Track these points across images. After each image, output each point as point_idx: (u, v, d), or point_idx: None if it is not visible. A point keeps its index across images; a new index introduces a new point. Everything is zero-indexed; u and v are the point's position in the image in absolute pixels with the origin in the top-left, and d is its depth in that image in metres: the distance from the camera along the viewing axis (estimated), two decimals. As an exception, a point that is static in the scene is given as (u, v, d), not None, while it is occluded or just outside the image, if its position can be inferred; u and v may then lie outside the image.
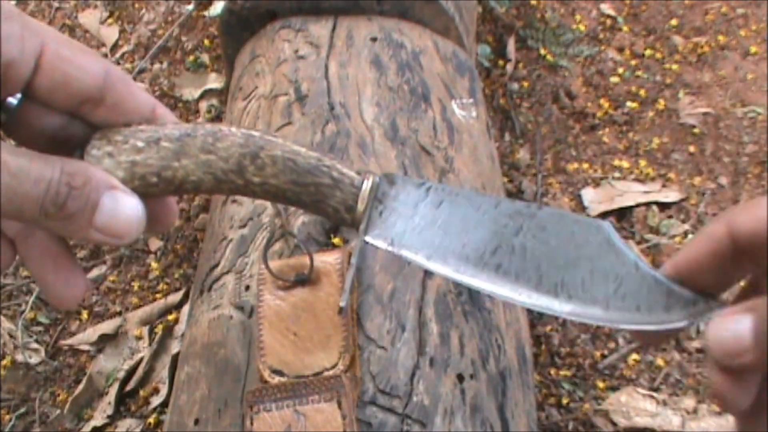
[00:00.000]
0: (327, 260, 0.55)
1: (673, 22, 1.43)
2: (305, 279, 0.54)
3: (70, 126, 0.40)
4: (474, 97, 0.85)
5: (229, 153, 0.39)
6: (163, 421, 0.98)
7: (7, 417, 1.05)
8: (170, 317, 1.09)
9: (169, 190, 0.40)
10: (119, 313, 1.13)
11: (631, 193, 1.19)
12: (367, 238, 0.41)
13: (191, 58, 1.41)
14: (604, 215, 1.15)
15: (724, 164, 1.22)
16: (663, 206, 1.17)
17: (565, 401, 0.98)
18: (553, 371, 1.01)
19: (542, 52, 1.38)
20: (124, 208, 0.37)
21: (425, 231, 0.41)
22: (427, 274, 0.62)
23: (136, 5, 1.51)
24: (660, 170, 1.22)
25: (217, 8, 1.40)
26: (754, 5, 1.44)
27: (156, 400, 1.02)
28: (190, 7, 1.46)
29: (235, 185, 0.40)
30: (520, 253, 0.39)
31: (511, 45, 1.38)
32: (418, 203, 0.41)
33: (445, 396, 0.56)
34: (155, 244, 1.20)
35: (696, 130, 1.27)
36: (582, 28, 1.43)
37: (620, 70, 1.36)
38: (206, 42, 1.42)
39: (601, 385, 0.99)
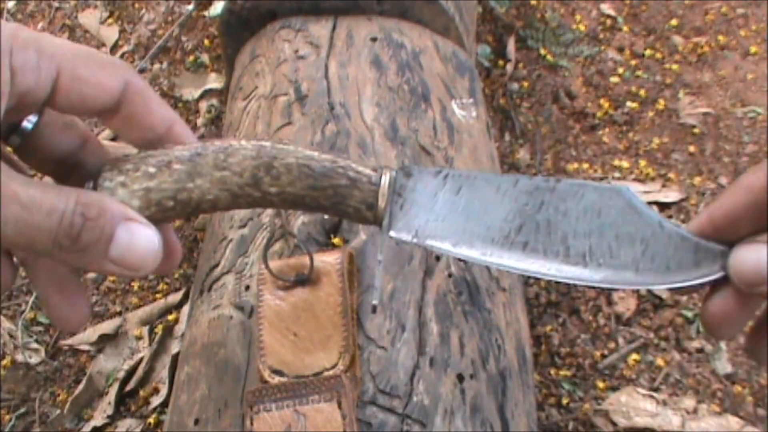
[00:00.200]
0: (327, 260, 0.55)
1: (673, 22, 1.43)
2: (305, 279, 0.54)
3: (82, 149, 0.40)
4: (474, 97, 0.85)
5: (242, 167, 0.39)
6: (163, 421, 0.98)
7: (7, 417, 1.05)
8: (170, 317, 1.09)
9: (187, 212, 0.40)
10: (119, 313, 1.13)
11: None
12: (392, 233, 0.41)
13: (191, 58, 1.41)
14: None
15: (724, 164, 1.22)
16: (663, 206, 1.17)
17: (565, 401, 0.98)
18: (553, 371, 1.01)
19: (542, 52, 1.38)
20: (140, 240, 0.36)
21: (448, 218, 0.41)
22: (427, 274, 0.62)
23: (136, 5, 1.51)
24: (660, 170, 1.22)
25: (217, 8, 1.41)
26: (754, 5, 1.44)
27: (156, 400, 1.02)
28: (190, 7, 1.46)
29: (252, 198, 0.40)
30: (545, 228, 0.39)
31: (511, 45, 1.38)
32: (437, 192, 0.41)
33: (445, 396, 0.56)
34: (155, 244, 1.20)
35: (696, 130, 1.27)
36: (582, 28, 1.43)
37: (620, 70, 1.36)
38: (206, 42, 1.42)
39: (601, 385, 0.99)
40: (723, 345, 1.02)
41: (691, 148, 1.24)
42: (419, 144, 0.72)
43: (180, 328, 1.06)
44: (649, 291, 1.07)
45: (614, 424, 0.95)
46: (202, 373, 0.60)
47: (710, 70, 1.36)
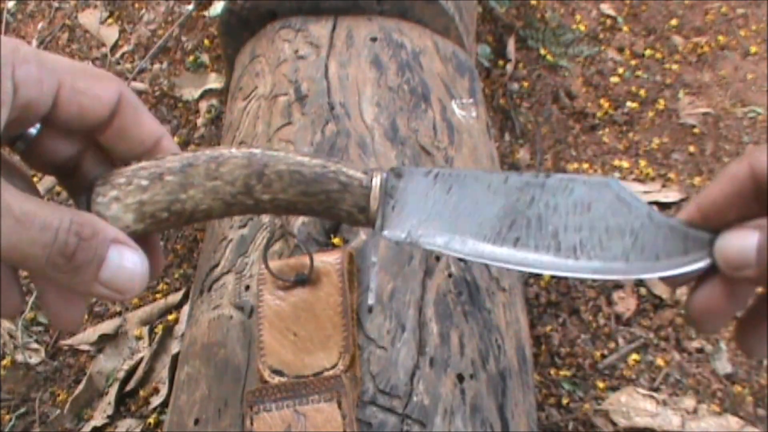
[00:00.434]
0: (327, 260, 0.55)
1: (673, 22, 1.43)
2: (305, 279, 0.54)
3: (83, 153, 0.41)
4: (474, 97, 0.85)
5: (234, 176, 0.39)
6: (163, 421, 0.98)
7: (7, 417, 1.05)
8: (170, 317, 1.09)
9: (181, 222, 0.40)
10: (119, 313, 1.13)
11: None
12: (385, 234, 0.41)
13: (191, 58, 1.41)
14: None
15: (724, 164, 1.22)
16: (663, 206, 1.17)
17: (565, 401, 0.98)
18: (553, 371, 1.01)
19: (542, 52, 1.38)
20: (129, 264, 0.36)
21: (440, 217, 0.41)
22: (427, 274, 0.62)
23: (136, 5, 1.51)
24: (660, 170, 1.22)
25: (217, 8, 1.41)
26: (754, 5, 1.44)
27: (156, 400, 1.02)
28: (190, 7, 1.46)
29: (245, 206, 0.40)
30: (536, 223, 0.40)
31: (511, 45, 1.38)
32: (428, 191, 0.41)
33: (445, 396, 0.56)
34: (155, 244, 1.20)
35: (696, 130, 1.27)
36: (582, 28, 1.43)
37: (620, 70, 1.36)
38: (206, 42, 1.42)
39: (601, 385, 0.99)
40: (723, 345, 1.02)
41: (691, 148, 1.24)
42: (419, 144, 0.72)
43: (180, 328, 1.06)
44: (649, 291, 1.07)
45: (614, 424, 0.95)
46: (202, 373, 0.60)
47: (710, 70, 1.36)
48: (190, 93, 1.37)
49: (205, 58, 1.41)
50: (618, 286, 1.09)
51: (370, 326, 0.57)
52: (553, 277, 1.10)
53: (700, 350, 1.02)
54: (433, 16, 0.88)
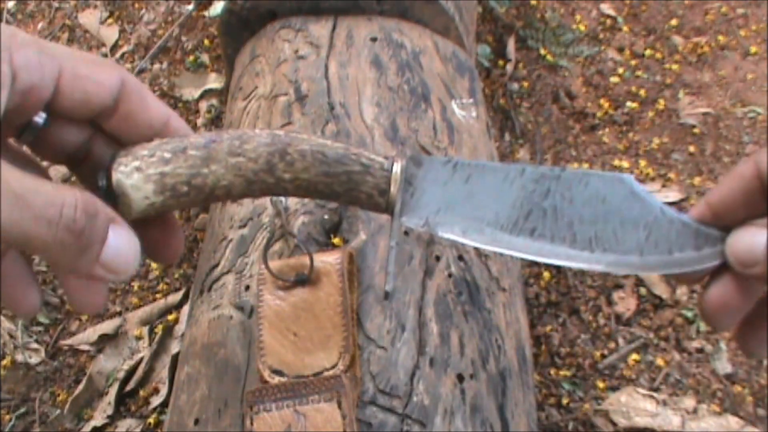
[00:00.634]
0: (327, 260, 0.55)
1: (673, 22, 1.43)
2: (305, 279, 0.54)
3: (90, 143, 0.41)
4: (474, 97, 0.85)
5: (257, 153, 0.40)
6: (163, 421, 0.98)
7: (7, 417, 1.05)
8: (170, 317, 1.09)
9: (200, 199, 0.40)
10: (119, 313, 1.13)
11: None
12: (403, 220, 0.42)
13: (191, 58, 1.41)
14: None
15: (724, 164, 1.22)
16: (663, 206, 1.16)
17: (565, 401, 0.98)
18: (553, 371, 1.01)
19: (542, 52, 1.38)
20: (126, 244, 0.36)
21: (457, 206, 0.42)
22: (427, 274, 0.62)
23: (136, 5, 1.51)
24: (660, 170, 1.22)
25: (217, 8, 1.41)
26: (754, 5, 1.44)
27: (156, 400, 1.02)
28: (190, 7, 1.46)
29: (266, 185, 0.40)
30: (552, 214, 0.40)
31: (511, 45, 1.38)
32: (447, 181, 0.42)
33: (445, 396, 0.56)
34: (155, 244, 1.20)
35: (696, 130, 1.27)
36: (582, 28, 1.43)
37: (620, 70, 1.36)
38: (206, 42, 1.42)
39: (601, 385, 0.99)
40: (723, 345, 1.02)
41: (691, 148, 1.24)
42: (419, 144, 0.72)
43: (180, 328, 1.06)
44: (648, 291, 1.07)
45: (614, 424, 0.95)
46: (202, 373, 0.60)
47: (710, 70, 1.36)
48: (190, 93, 1.37)
49: (205, 58, 1.41)
50: (618, 286, 1.09)
51: (370, 326, 0.57)
52: (553, 276, 1.10)
53: (700, 350, 1.02)
54: (433, 16, 0.88)
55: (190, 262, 1.16)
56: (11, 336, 1.11)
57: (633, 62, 1.38)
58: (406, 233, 0.61)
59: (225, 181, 0.40)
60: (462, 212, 0.41)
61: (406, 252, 0.62)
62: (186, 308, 1.07)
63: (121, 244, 0.36)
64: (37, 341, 1.12)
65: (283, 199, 0.64)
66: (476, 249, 0.65)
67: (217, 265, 0.67)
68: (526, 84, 1.35)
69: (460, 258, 0.65)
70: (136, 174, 0.38)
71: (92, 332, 1.11)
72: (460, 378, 0.58)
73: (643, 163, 1.22)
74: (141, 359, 1.06)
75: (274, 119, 0.75)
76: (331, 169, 0.41)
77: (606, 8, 1.46)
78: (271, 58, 0.84)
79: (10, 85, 0.33)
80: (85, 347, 1.10)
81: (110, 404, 1.02)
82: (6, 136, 0.38)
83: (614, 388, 0.99)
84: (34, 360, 1.10)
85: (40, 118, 0.38)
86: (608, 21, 1.44)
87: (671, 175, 1.21)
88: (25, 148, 0.40)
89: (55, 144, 0.39)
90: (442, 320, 0.60)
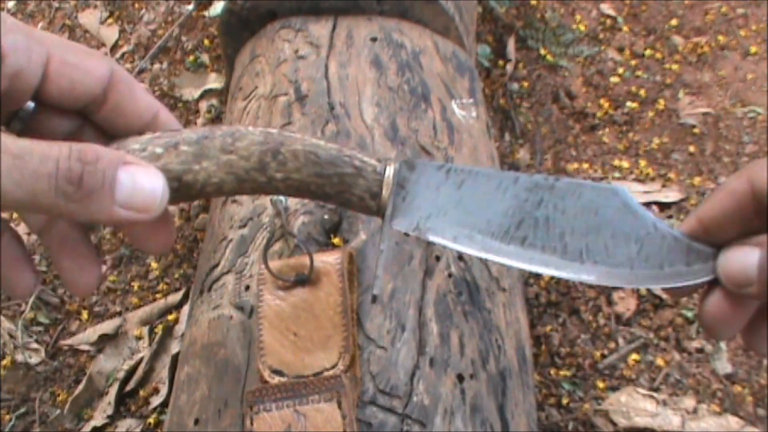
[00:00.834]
0: (327, 260, 0.55)
1: (673, 22, 1.43)
2: (305, 279, 0.54)
3: (80, 132, 0.40)
4: (474, 97, 0.85)
5: (249, 151, 0.40)
6: (163, 421, 0.98)
7: (7, 417, 1.05)
8: (170, 317, 1.09)
9: (191, 195, 0.40)
10: (119, 313, 1.13)
11: (631, 193, 1.19)
12: (393, 224, 0.41)
13: (191, 58, 1.41)
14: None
15: (724, 164, 1.22)
16: (663, 206, 1.17)
17: (565, 401, 0.98)
18: (553, 371, 1.01)
19: (542, 52, 1.38)
20: (144, 180, 0.36)
21: (449, 212, 0.41)
22: (427, 274, 0.62)
23: (136, 5, 1.51)
24: (660, 170, 1.22)
25: (217, 8, 1.41)
26: (754, 5, 1.44)
27: (156, 400, 1.02)
28: (190, 7, 1.46)
29: (257, 183, 0.40)
30: (544, 224, 0.40)
31: (511, 45, 1.38)
32: (439, 186, 0.42)
33: (445, 396, 0.56)
34: (155, 244, 1.20)
35: (696, 130, 1.27)
36: (582, 28, 1.43)
37: (620, 70, 1.36)
38: (206, 42, 1.42)
39: (601, 385, 0.99)
40: (723, 345, 1.02)
41: (691, 148, 1.24)
42: (419, 144, 0.72)
43: (180, 328, 1.06)
44: (648, 291, 1.07)
45: (614, 424, 0.95)
46: (202, 373, 0.60)
47: (710, 70, 1.36)
48: (190, 93, 1.37)
49: (205, 58, 1.41)
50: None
51: (370, 326, 0.57)
52: (553, 277, 1.10)
53: (700, 350, 1.02)
54: (433, 16, 0.88)
55: (190, 262, 1.16)
56: (11, 336, 1.11)
57: (633, 62, 1.38)
58: (406, 234, 0.61)
59: (216, 179, 0.40)
60: (453, 218, 0.41)
61: (406, 252, 0.62)
62: (186, 308, 1.07)
63: (137, 181, 0.35)
64: (37, 341, 1.12)
65: (283, 199, 0.64)
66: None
67: (217, 265, 0.67)
68: (526, 84, 1.35)
69: (460, 258, 0.65)
70: None
71: (92, 332, 1.11)
72: (460, 378, 0.58)
73: (643, 163, 1.22)
74: (141, 359, 1.06)
75: (274, 119, 0.75)
76: (324, 170, 0.40)
77: (606, 8, 1.46)
78: (271, 58, 0.84)
79: (1, 66, 0.33)
80: (85, 347, 1.10)
81: (110, 404, 1.02)
82: None
83: (614, 388, 0.99)
84: (34, 360, 1.10)
85: (28, 107, 0.38)
86: (608, 21, 1.44)
87: (671, 175, 1.21)
88: None
89: (43, 134, 0.39)
90: (442, 320, 0.60)
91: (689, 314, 1.05)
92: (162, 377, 1.03)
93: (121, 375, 1.05)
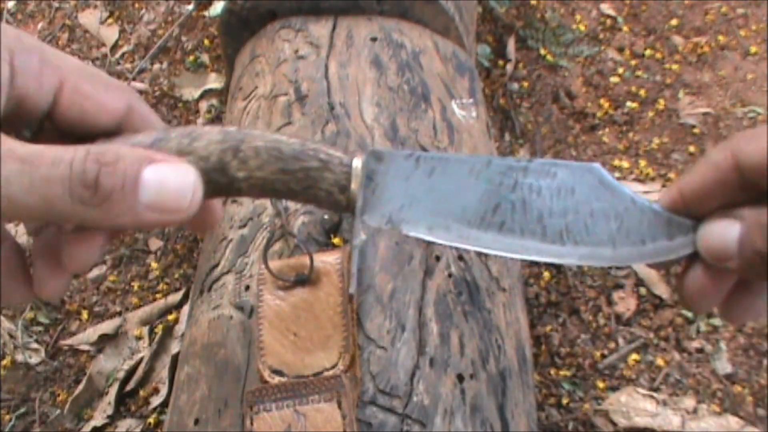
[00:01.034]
0: (327, 260, 0.55)
1: (673, 22, 1.43)
2: (305, 279, 0.54)
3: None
4: (474, 97, 0.85)
5: (208, 151, 0.37)
6: (163, 421, 0.98)
7: (7, 417, 1.05)
8: (170, 317, 1.09)
9: None
10: (119, 313, 1.13)
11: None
12: (364, 219, 0.40)
13: (191, 58, 1.41)
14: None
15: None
16: (663, 206, 1.16)
17: (565, 401, 0.98)
18: (553, 371, 1.01)
19: (542, 52, 1.38)
20: (171, 179, 0.33)
21: (422, 202, 0.40)
22: (427, 274, 0.62)
23: (136, 5, 1.51)
24: (660, 170, 1.22)
25: (217, 8, 1.41)
26: (754, 5, 1.44)
27: (156, 400, 1.02)
28: (190, 7, 1.46)
29: (218, 185, 0.38)
30: (520, 207, 0.39)
31: (511, 45, 1.38)
32: (409, 175, 0.40)
33: (445, 396, 0.56)
34: (155, 244, 1.20)
35: (696, 130, 1.27)
36: (582, 28, 1.43)
37: (620, 70, 1.36)
38: (206, 42, 1.42)
39: (601, 385, 0.99)
40: (723, 345, 1.02)
41: (691, 148, 1.24)
42: (419, 144, 0.72)
43: (180, 328, 1.06)
44: (649, 291, 1.07)
45: (614, 424, 0.95)
46: (202, 373, 0.60)
47: (710, 70, 1.36)
48: (190, 93, 1.37)
49: (205, 58, 1.41)
50: (618, 285, 1.09)
51: (370, 326, 0.57)
52: (553, 276, 1.10)
53: (700, 350, 1.02)
54: (433, 16, 0.88)
55: (190, 262, 1.16)
56: (11, 336, 1.11)
57: (633, 62, 1.38)
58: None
59: None
60: (427, 207, 0.39)
61: (406, 252, 0.62)
62: (186, 308, 1.07)
63: (164, 180, 0.33)
64: (37, 341, 1.12)
65: (283, 199, 0.64)
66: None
67: (217, 265, 0.67)
68: (526, 84, 1.35)
69: (460, 258, 0.65)
70: None
71: (92, 332, 1.11)
72: (460, 378, 0.58)
73: (643, 163, 1.22)
74: (141, 359, 1.06)
75: (274, 119, 0.75)
76: (288, 165, 0.38)
77: (606, 8, 1.46)
78: (271, 58, 0.84)
79: (8, 89, 0.32)
80: (85, 347, 1.10)
81: (110, 404, 1.02)
82: None
83: (614, 388, 0.99)
84: (34, 360, 1.10)
85: (27, 131, 0.36)
86: (608, 21, 1.44)
87: (671, 175, 1.21)
88: None
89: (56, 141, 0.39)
90: (442, 320, 0.60)
91: (689, 314, 1.05)
92: (162, 377, 1.03)
93: (121, 375, 1.05)
